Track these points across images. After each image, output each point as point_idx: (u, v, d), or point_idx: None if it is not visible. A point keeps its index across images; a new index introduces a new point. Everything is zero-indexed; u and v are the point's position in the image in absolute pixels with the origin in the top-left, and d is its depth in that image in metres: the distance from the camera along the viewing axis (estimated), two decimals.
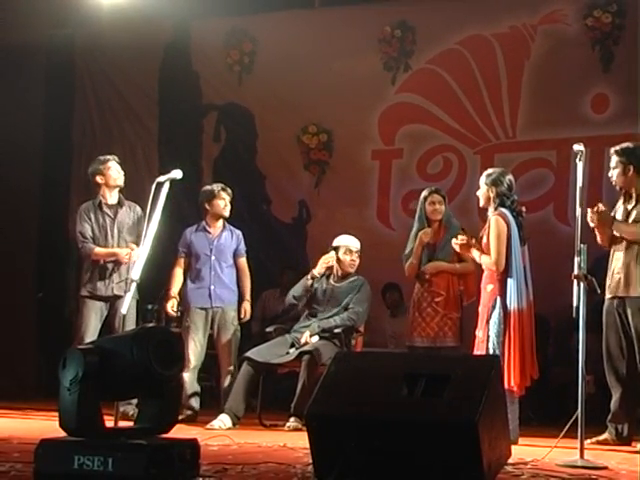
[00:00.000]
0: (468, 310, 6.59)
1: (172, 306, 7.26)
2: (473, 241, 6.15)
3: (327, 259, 7.17)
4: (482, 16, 9.30)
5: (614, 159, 6.07)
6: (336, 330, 6.92)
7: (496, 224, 5.95)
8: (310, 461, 3.90)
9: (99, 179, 7.22)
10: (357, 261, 7.18)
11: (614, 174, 6.08)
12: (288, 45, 9.73)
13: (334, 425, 3.83)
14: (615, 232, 6.00)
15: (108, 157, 7.28)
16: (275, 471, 4.07)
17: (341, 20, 9.74)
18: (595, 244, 6.09)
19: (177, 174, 6.12)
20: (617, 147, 6.08)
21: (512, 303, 5.87)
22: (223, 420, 6.58)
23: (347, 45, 9.58)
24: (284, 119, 9.87)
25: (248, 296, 7.30)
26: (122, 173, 7.26)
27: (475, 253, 6.07)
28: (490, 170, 6.25)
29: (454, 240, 6.24)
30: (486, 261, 5.96)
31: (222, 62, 10.26)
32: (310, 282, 7.13)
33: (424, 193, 6.96)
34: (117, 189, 7.26)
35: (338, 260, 7.16)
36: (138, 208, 7.15)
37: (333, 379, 4.04)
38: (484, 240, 6.07)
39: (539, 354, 6.09)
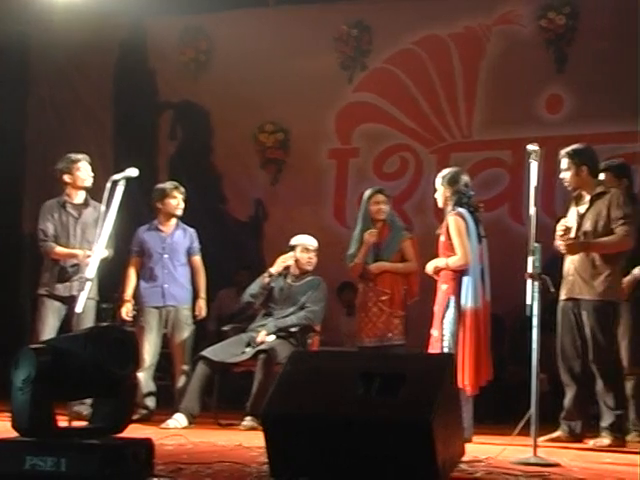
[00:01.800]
0: (421, 308, 6.61)
1: (127, 312, 7.20)
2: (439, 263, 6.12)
3: (285, 258, 7.17)
4: (438, 16, 9.36)
5: (565, 161, 6.12)
6: (292, 329, 6.93)
7: (455, 223, 5.98)
8: (265, 460, 3.89)
9: (67, 178, 7.11)
10: (314, 260, 7.19)
11: (567, 176, 6.13)
12: (244, 43, 9.71)
13: (290, 424, 3.83)
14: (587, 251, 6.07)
15: (79, 157, 7.14)
16: (230, 470, 4.06)
17: (297, 19, 9.76)
18: (549, 244, 6.16)
19: (132, 172, 6.08)
20: (568, 149, 6.13)
21: (467, 302, 5.89)
22: (178, 419, 6.55)
23: (303, 44, 9.60)
24: (240, 117, 9.85)
25: (203, 294, 7.27)
26: (91, 175, 7.16)
27: (441, 262, 6.07)
28: (445, 170, 6.28)
29: (429, 271, 6.20)
30: (454, 260, 5.97)
31: (178, 60, 10.23)
32: (267, 280, 7.12)
33: (367, 193, 6.99)
34: (84, 190, 7.16)
35: (295, 259, 7.16)
36: (103, 208, 7.06)
37: (289, 378, 4.04)
38: (441, 239, 6.09)
39: (494, 353, 6.12)
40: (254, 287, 7.18)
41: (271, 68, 9.67)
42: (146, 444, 3.70)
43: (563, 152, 6.14)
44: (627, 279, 6.37)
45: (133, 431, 3.90)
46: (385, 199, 6.94)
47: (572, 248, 6.02)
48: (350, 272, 7.01)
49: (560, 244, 5.98)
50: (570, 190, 6.21)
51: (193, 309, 7.22)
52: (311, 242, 7.21)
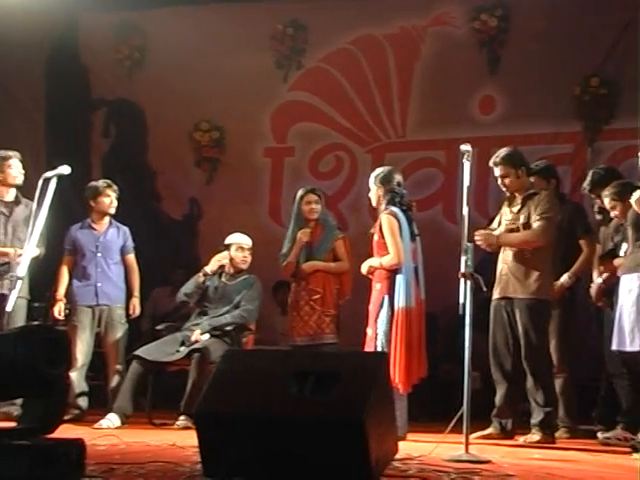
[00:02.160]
0: (357, 307, 6.63)
1: (59, 311, 7.11)
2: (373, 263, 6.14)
3: (220, 257, 7.15)
4: (373, 16, 9.40)
5: (501, 169, 6.17)
6: (227, 328, 6.90)
7: (388, 222, 6.01)
8: (199, 460, 3.87)
9: None
10: (249, 258, 7.17)
11: (507, 182, 6.19)
12: (179, 41, 9.65)
13: (223, 423, 3.82)
14: (503, 244, 6.17)
15: (10, 154, 7.01)
16: (163, 470, 4.03)
17: (232, 17, 9.72)
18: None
19: (65, 170, 6.01)
20: (497, 158, 6.18)
21: (400, 301, 5.92)
22: (111, 419, 6.49)
23: (239, 42, 9.57)
24: (175, 115, 9.80)
25: (137, 292, 7.22)
26: (22, 172, 7.04)
27: (375, 261, 6.10)
28: (378, 170, 6.31)
29: (363, 270, 6.23)
30: (387, 260, 6.00)
31: (112, 57, 10.14)
32: (202, 279, 7.09)
33: (300, 192, 6.99)
34: (15, 187, 7.05)
35: (230, 258, 7.14)
36: (35, 206, 6.95)
37: (222, 377, 4.02)
38: (375, 238, 6.12)
39: (428, 352, 6.17)
40: (189, 286, 7.15)
41: (206, 66, 9.64)
42: (78, 444, 3.65)
43: (496, 160, 6.19)
44: (557, 284, 6.48)
45: (65, 431, 3.86)
46: (317, 198, 6.94)
47: (487, 239, 6.11)
48: (283, 271, 7.01)
49: (477, 239, 6.05)
50: (508, 193, 6.27)
51: (127, 308, 7.16)
52: (245, 241, 7.20)
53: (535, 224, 6.06)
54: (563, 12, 8.77)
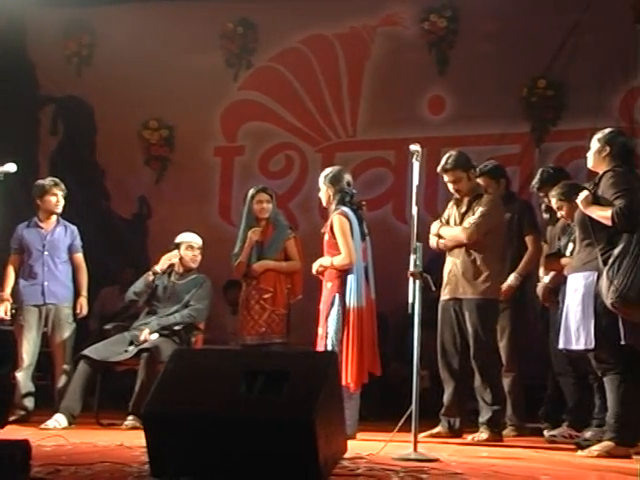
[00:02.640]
0: (309, 307, 6.63)
1: (5, 311, 7.02)
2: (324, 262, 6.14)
3: (170, 256, 7.11)
4: (324, 16, 9.41)
5: (451, 174, 6.20)
6: (176, 327, 6.87)
7: (339, 222, 6.01)
8: (147, 460, 3.85)
9: None
10: (199, 257, 7.14)
11: (459, 187, 6.23)
12: (128, 38, 9.58)
13: (171, 423, 3.79)
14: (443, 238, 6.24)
15: None
16: (110, 471, 3.99)
17: (182, 15, 9.66)
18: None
19: (11, 168, 5.95)
20: (446, 164, 6.20)
21: (352, 301, 5.93)
22: (58, 420, 6.42)
23: (188, 40, 9.53)
24: (124, 113, 9.72)
25: (84, 292, 7.14)
26: None
27: (326, 261, 6.10)
28: (327, 170, 6.31)
29: (314, 270, 6.23)
30: (339, 260, 6.00)
31: (60, 53, 10.03)
32: (152, 278, 7.04)
33: (251, 191, 6.98)
34: None
35: (180, 257, 7.11)
36: None
37: (171, 377, 4.00)
38: (326, 238, 6.12)
39: (379, 351, 6.18)
40: (138, 285, 7.10)
41: (156, 64, 9.58)
42: (23, 446, 3.61)
43: (445, 166, 6.21)
44: (504, 286, 6.52)
45: (10, 432, 3.82)
46: (268, 198, 6.94)
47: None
48: (234, 271, 6.99)
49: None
50: (460, 197, 6.30)
51: (74, 307, 7.09)
52: (195, 240, 7.17)
53: (466, 223, 6.12)
54: (511, 14, 8.86)
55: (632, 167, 5.30)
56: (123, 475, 3.90)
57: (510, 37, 8.86)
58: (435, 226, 6.35)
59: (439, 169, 6.27)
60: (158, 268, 7.08)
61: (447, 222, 6.35)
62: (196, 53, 9.54)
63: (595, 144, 5.33)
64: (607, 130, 5.38)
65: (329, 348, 5.87)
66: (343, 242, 5.99)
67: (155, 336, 6.79)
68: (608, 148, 5.26)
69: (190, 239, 7.16)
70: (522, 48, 8.77)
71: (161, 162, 9.88)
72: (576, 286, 5.17)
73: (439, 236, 6.29)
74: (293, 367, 3.90)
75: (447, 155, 6.27)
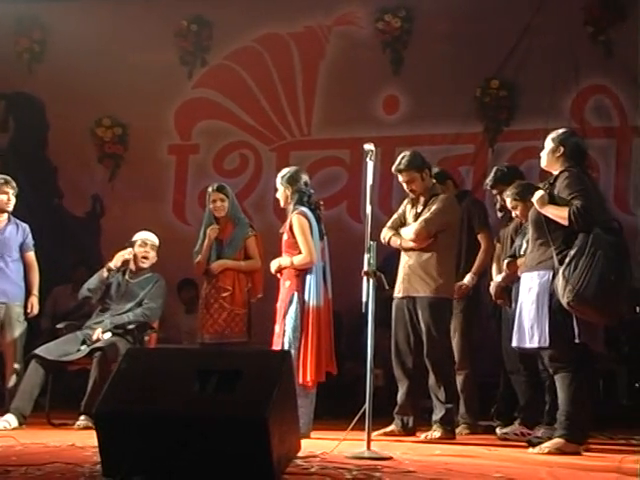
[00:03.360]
0: (268, 306, 6.62)
1: None
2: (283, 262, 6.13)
3: (124, 253, 7.06)
4: (279, 15, 9.40)
5: (405, 175, 6.23)
6: (129, 326, 6.81)
7: (298, 222, 6.01)
8: (98, 460, 3.81)
9: None
10: (150, 254, 7.09)
11: (414, 187, 6.25)
12: (81, 35, 9.48)
13: (123, 423, 3.76)
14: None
15: None
16: (61, 471, 3.95)
17: (136, 12, 9.61)
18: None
19: None
20: (400, 165, 6.22)
21: (311, 300, 5.93)
22: (8, 420, 6.34)
23: (142, 37, 9.47)
24: (77, 111, 9.63)
25: (36, 291, 7.06)
26: None
27: (285, 260, 6.09)
28: (284, 170, 6.29)
29: (273, 269, 6.20)
30: (299, 259, 6.00)
31: (10, 49, 9.91)
32: (106, 274, 6.99)
33: (209, 190, 6.96)
34: None
35: (134, 254, 7.06)
36: None
37: (123, 376, 3.97)
38: (284, 237, 6.11)
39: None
40: (92, 281, 7.04)
41: (109, 61, 9.50)
42: None
43: (399, 167, 6.23)
44: (461, 284, 6.56)
45: None
46: (222, 197, 6.89)
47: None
48: (194, 269, 6.96)
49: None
50: (414, 196, 6.33)
51: (25, 306, 7.00)
52: (150, 237, 7.13)
53: (416, 224, 6.16)
54: (465, 15, 8.92)
55: (584, 168, 5.36)
56: (74, 475, 3.87)
57: (464, 38, 8.92)
58: (386, 232, 6.36)
59: (393, 169, 6.30)
60: (112, 264, 7.02)
61: (402, 219, 6.37)
62: (150, 51, 9.48)
63: (549, 144, 5.38)
64: (561, 130, 5.44)
65: (286, 346, 5.87)
66: (303, 241, 5.99)
67: (108, 335, 6.73)
68: (562, 148, 5.31)
69: (144, 236, 7.13)
70: (475, 49, 8.83)
71: (114, 160, 9.80)
72: (530, 285, 5.21)
73: (396, 234, 6.31)
74: (247, 366, 3.90)
75: (401, 155, 6.29)
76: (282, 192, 6.23)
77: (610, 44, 8.65)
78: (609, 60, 8.67)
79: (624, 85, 8.59)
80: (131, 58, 9.47)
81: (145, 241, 7.10)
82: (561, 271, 4.98)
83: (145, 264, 7.08)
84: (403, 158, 6.25)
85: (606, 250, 4.94)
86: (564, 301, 4.95)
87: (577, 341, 5.01)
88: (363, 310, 4.98)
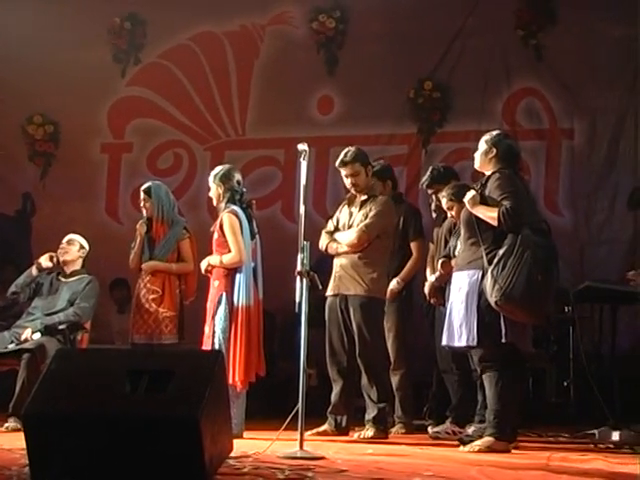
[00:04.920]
0: (199, 306, 6.58)
1: None
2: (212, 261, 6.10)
3: (52, 254, 6.97)
4: (213, 13, 9.37)
5: (350, 168, 6.23)
6: (60, 326, 6.73)
7: (229, 220, 5.99)
8: (27, 462, 3.75)
9: None
10: (72, 249, 6.99)
11: (357, 181, 6.26)
12: (12, 30, 9.33)
13: (52, 424, 3.71)
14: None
15: None
16: None
17: (69, 8, 9.48)
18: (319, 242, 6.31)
19: None
20: (346, 157, 6.23)
21: (240, 300, 5.92)
22: None
23: (75, 34, 9.35)
24: (7, 108, 9.50)
25: None
26: None
27: (215, 259, 6.06)
28: (217, 168, 6.26)
29: (202, 268, 6.15)
30: (228, 258, 5.97)
31: None
32: (35, 272, 6.89)
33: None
34: None
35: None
36: None
37: (53, 377, 3.91)
38: (215, 236, 6.09)
39: (265, 349, 6.18)
40: (21, 279, 6.95)
41: (41, 58, 9.36)
42: None
43: (345, 159, 6.24)
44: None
45: None
46: (144, 197, 6.75)
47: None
48: (130, 264, 6.86)
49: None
50: (355, 192, 6.34)
51: None
52: (73, 236, 7.06)
53: (357, 227, 6.18)
54: (399, 16, 8.97)
55: (517, 169, 5.43)
56: (2, 479, 3.80)
57: (398, 39, 8.97)
58: (324, 239, 6.37)
59: (337, 163, 6.31)
60: (43, 262, 6.93)
61: (337, 224, 6.38)
62: (83, 48, 9.37)
63: (482, 145, 5.44)
64: (494, 132, 5.51)
65: (216, 347, 5.84)
66: (233, 241, 5.97)
67: (38, 335, 6.64)
68: (495, 150, 5.37)
69: (71, 236, 7.06)
70: (409, 50, 8.90)
71: (46, 158, 9.68)
72: (460, 284, 5.26)
73: (333, 240, 6.32)
74: (178, 366, 3.87)
75: (346, 150, 6.32)
76: (214, 190, 6.20)
77: (541, 48, 8.79)
78: (540, 63, 8.81)
79: (554, 88, 8.74)
80: (63, 55, 9.34)
81: (69, 240, 7.04)
82: (490, 271, 5.04)
83: (66, 257, 6.97)
84: (349, 151, 6.28)
85: (534, 250, 5.01)
86: (492, 300, 5.01)
87: (504, 340, 5.07)
88: (296, 310, 4.98)
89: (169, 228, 6.78)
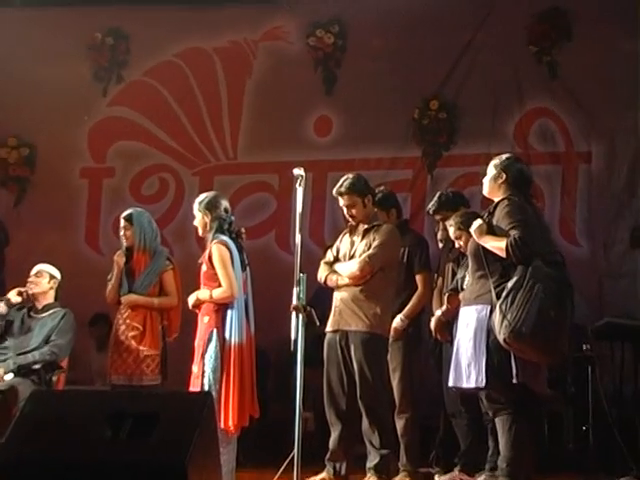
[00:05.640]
0: (184, 343, 6.57)
1: None
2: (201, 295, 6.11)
3: (21, 288, 6.99)
4: (202, 28, 9.39)
5: (346, 199, 6.27)
6: (35, 366, 6.73)
7: (218, 252, 5.98)
8: None
9: None
10: (42, 281, 7.01)
11: (354, 212, 6.29)
12: None
13: (26, 473, 3.71)
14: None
15: None
16: None
17: (46, 22, 9.49)
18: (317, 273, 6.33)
19: None
20: (342, 187, 6.27)
21: (232, 337, 5.90)
22: None
23: (53, 50, 9.36)
24: None
25: None
26: None
27: (204, 294, 6.06)
28: (202, 196, 6.25)
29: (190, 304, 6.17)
30: (219, 293, 5.97)
31: None
32: (4, 309, 6.89)
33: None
34: None
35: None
36: None
37: (27, 421, 3.92)
38: (203, 269, 6.09)
39: (258, 390, 6.17)
40: None
41: (16, 75, 9.37)
42: None
43: (341, 189, 6.28)
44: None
45: None
46: (126, 224, 6.74)
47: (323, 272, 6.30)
48: (107, 297, 6.85)
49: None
50: (354, 223, 6.37)
51: None
52: (43, 267, 7.06)
53: (360, 257, 6.20)
54: (402, 31, 9.01)
55: (528, 196, 5.44)
56: None
57: (401, 55, 9.01)
58: (323, 270, 6.39)
59: (334, 191, 6.35)
60: (12, 297, 6.94)
61: (337, 254, 6.40)
62: (61, 65, 9.38)
63: (491, 170, 5.45)
64: (504, 156, 5.51)
65: (205, 388, 5.83)
66: (224, 273, 5.97)
67: (10, 376, 6.64)
68: (504, 175, 5.38)
69: (37, 267, 7.08)
70: (413, 67, 8.94)
71: (20, 184, 9.67)
72: (468, 320, 5.26)
73: (333, 272, 6.33)
74: (164, 409, 3.88)
75: (344, 177, 6.35)
76: (200, 219, 6.20)
77: (555, 65, 8.84)
78: (554, 82, 8.85)
79: (570, 108, 8.77)
80: (40, 73, 9.36)
81: (37, 271, 7.06)
82: (498, 305, 5.03)
83: (36, 290, 6.99)
84: (346, 180, 6.31)
85: (546, 283, 5.00)
86: (500, 338, 5.00)
87: (515, 381, 5.07)
88: (292, 348, 4.99)
89: (150, 259, 6.75)
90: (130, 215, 6.77)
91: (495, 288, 5.13)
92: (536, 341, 4.99)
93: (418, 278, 6.81)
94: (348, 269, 6.25)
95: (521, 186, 5.40)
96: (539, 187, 8.31)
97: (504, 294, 5.04)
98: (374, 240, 6.25)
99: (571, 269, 5.38)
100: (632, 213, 8.57)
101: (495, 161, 5.48)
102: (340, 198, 6.35)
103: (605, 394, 6.83)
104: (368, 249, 6.22)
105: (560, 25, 8.84)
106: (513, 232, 5.11)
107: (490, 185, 5.46)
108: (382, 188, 7.02)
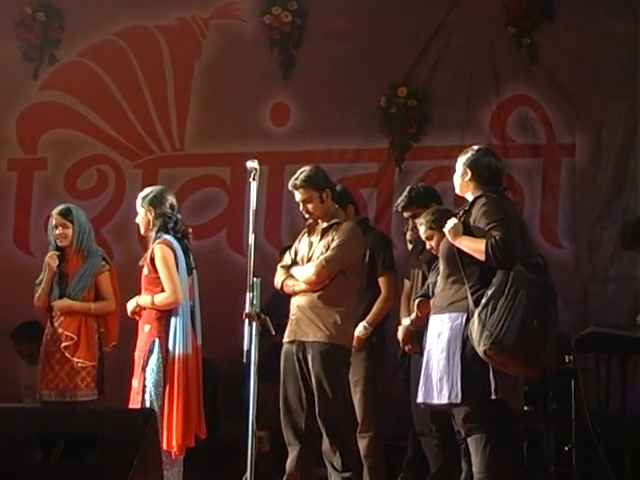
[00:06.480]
0: (122, 354, 6.55)
1: None
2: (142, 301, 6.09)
3: None
4: (145, 4, 9.36)
5: (302, 192, 6.27)
6: None
7: (162, 253, 5.98)
8: None
9: None
10: None
11: (310, 208, 6.29)
12: None
13: None
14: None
15: None
16: None
17: None
18: (273, 277, 6.31)
19: None
20: (297, 180, 6.26)
21: (176, 347, 5.90)
22: None
23: None
24: None
25: None
26: None
27: (145, 299, 6.03)
28: (146, 190, 6.25)
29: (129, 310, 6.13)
30: (161, 299, 5.95)
31: None
32: None
33: (52, 213, 6.80)
34: None
35: None
36: None
37: None
38: (145, 272, 6.07)
39: (206, 406, 6.16)
40: None
41: None
42: None
43: (296, 182, 6.29)
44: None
45: None
46: (64, 222, 6.71)
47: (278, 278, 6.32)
48: (35, 304, 6.80)
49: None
50: (311, 220, 6.37)
51: None
52: None
53: (317, 260, 6.20)
54: (368, 10, 8.99)
55: (501, 191, 5.44)
56: None
57: (367, 36, 9.01)
58: (279, 275, 6.38)
59: (290, 185, 6.35)
60: None
61: (295, 257, 6.39)
62: None
63: (459, 167, 5.45)
64: (470, 151, 5.48)
65: (147, 404, 5.81)
66: (167, 277, 5.96)
67: None
68: (469, 172, 5.38)
69: None
70: (380, 50, 8.93)
71: None
72: (440, 329, 5.26)
73: (290, 277, 6.32)
74: (101, 428, 3.87)
75: (301, 170, 6.35)
76: (143, 216, 6.18)
77: (535, 48, 8.84)
78: (534, 67, 8.86)
79: (552, 96, 8.80)
80: None
81: None
82: (477, 314, 5.03)
83: None
84: (302, 173, 6.31)
85: (529, 290, 5.01)
86: (480, 349, 4.99)
87: (494, 397, 5.07)
88: (244, 359, 4.98)
89: (84, 260, 6.72)
90: (69, 211, 6.74)
91: (472, 294, 5.13)
92: (519, 353, 4.99)
93: (381, 281, 6.83)
94: (304, 274, 6.24)
95: (491, 181, 5.39)
96: (518, 183, 8.37)
97: (484, 301, 5.03)
98: (333, 240, 6.24)
99: (553, 273, 5.39)
100: (619, 211, 8.60)
101: (460, 157, 5.46)
102: (296, 192, 6.34)
103: (589, 411, 6.87)
104: (326, 250, 6.22)
105: (541, 4, 8.86)
106: (494, 232, 5.10)
107: (459, 183, 5.47)
108: (337, 185, 7.00)
